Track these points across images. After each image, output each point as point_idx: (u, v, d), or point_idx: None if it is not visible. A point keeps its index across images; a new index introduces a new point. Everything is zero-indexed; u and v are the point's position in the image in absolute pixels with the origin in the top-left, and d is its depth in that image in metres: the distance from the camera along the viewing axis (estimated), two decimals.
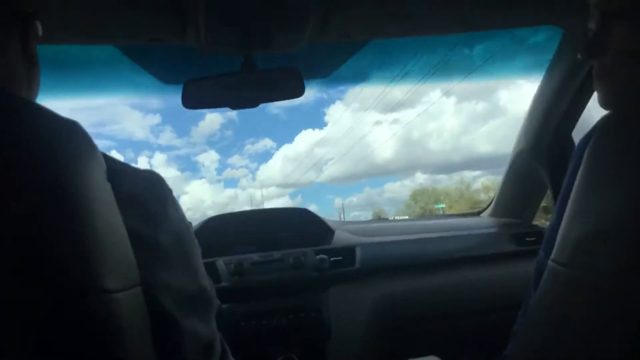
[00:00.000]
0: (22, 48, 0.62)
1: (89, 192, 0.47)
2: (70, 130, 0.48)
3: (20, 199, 0.42)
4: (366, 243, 1.74)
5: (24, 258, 0.42)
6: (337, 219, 3.36)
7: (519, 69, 1.79)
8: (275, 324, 1.56)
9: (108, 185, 0.51)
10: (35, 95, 0.66)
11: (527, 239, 1.83)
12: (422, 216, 3.09)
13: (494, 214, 2.10)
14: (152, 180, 0.61)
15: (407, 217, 2.70)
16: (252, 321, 1.56)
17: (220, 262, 1.60)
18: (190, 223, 0.68)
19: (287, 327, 1.57)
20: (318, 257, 1.62)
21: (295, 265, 1.60)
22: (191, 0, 1.06)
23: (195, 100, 1.36)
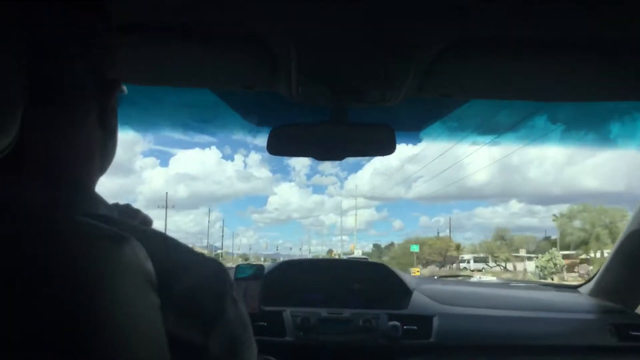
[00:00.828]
0: (100, 118, 0.59)
1: (118, 308, 0.42)
2: (112, 246, 0.43)
3: (42, 313, 0.38)
4: (445, 313, 1.59)
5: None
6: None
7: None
8: None
9: (147, 296, 0.45)
10: (108, 165, 0.64)
11: (632, 332, 1.59)
12: (512, 279, 2.79)
13: (594, 293, 1.86)
14: (215, 273, 0.55)
15: (494, 279, 2.47)
16: None
17: (287, 314, 1.54)
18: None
19: None
20: (391, 323, 1.50)
21: (365, 328, 1.49)
22: (284, 54, 1.05)
23: (281, 147, 1.34)
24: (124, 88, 0.65)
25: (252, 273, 1.42)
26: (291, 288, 1.71)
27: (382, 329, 1.50)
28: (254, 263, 1.55)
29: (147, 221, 0.87)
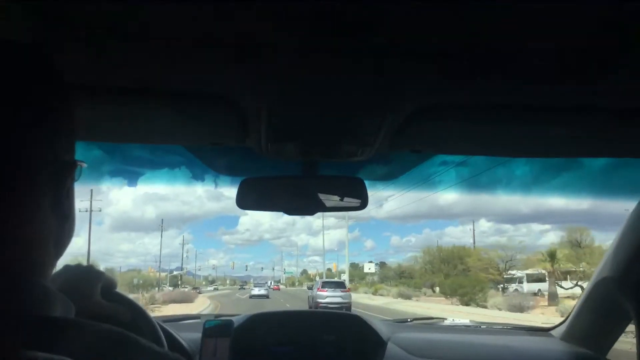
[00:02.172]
0: (55, 203, 0.54)
1: None
2: None
3: None
4: None
5: None
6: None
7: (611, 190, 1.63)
8: None
9: None
10: (63, 251, 0.58)
11: None
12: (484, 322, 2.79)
13: (566, 337, 1.86)
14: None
15: (467, 321, 2.46)
16: None
17: None
18: None
19: None
20: None
21: None
22: (253, 112, 1.02)
23: (250, 200, 1.30)
24: (83, 164, 0.59)
25: (221, 330, 1.36)
26: (262, 343, 1.64)
27: None
28: (223, 319, 1.49)
29: (112, 284, 0.82)
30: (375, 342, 1.66)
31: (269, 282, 63.18)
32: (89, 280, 0.77)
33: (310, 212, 1.30)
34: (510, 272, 35.18)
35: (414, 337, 1.73)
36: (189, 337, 1.30)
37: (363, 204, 1.26)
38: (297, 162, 1.28)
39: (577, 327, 1.82)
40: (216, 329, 1.36)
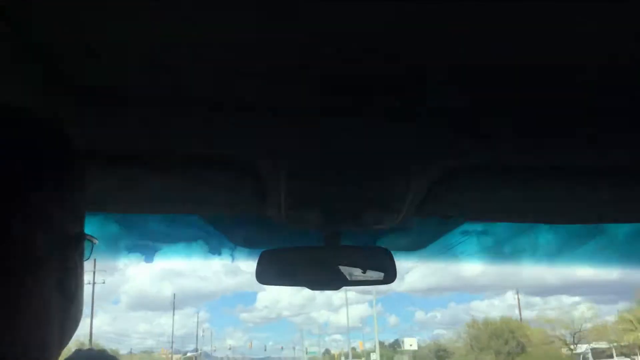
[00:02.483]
0: (60, 281, 0.48)
1: None
2: None
3: None
4: None
5: None
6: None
7: None
8: None
9: None
10: (70, 334, 0.52)
11: None
12: None
13: None
14: None
15: None
16: None
17: None
18: None
19: None
20: None
21: None
22: (273, 179, 0.98)
23: (270, 275, 1.22)
24: (94, 240, 0.53)
25: None
26: None
27: None
28: None
29: None
30: None
31: None
32: None
33: (335, 287, 1.21)
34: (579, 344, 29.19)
35: None
36: None
37: (391, 277, 1.17)
38: (319, 232, 1.21)
39: None
40: None
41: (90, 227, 0.54)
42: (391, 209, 1.09)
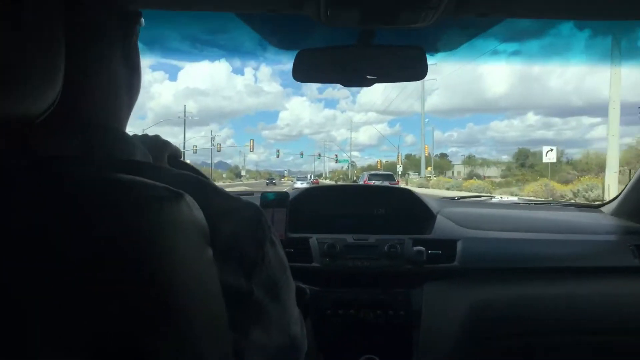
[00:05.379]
0: (124, 55, 0.56)
1: (179, 266, 0.40)
2: (170, 206, 0.41)
3: (99, 274, 0.36)
4: (469, 237, 1.60)
5: (100, 334, 0.36)
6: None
7: None
8: (361, 318, 1.52)
9: (205, 251, 0.44)
10: (134, 102, 0.61)
11: None
12: (533, 199, 2.76)
13: (617, 212, 1.85)
14: (254, 218, 0.54)
15: (515, 199, 2.46)
16: (338, 310, 1.52)
17: (314, 240, 1.56)
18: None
19: (374, 324, 1.52)
20: (415, 248, 1.52)
21: (390, 254, 1.52)
22: None
23: (307, 72, 1.28)
24: (142, 20, 0.60)
25: (277, 201, 1.42)
26: (316, 215, 1.72)
27: (407, 254, 1.52)
28: (278, 192, 1.56)
29: (177, 154, 0.85)
30: (425, 215, 1.71)
31: (309, 176, 63.94)
32: (158, 147, 0.81)
33: (368, 84, 1.27)
34: None
35: (463, 211, 1.77)
36: None
37: (422, 73, 1.22)
38: (353, 31, 1.23)
39: (629, 203, 1.80)
40: (273, 201, 1.43)
41: None
42: (429, 6, 1.09)
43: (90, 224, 0.37)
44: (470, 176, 45.80)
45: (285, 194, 1.50)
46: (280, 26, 1.38)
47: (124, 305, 0.36)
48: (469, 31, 1.40)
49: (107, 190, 0.39)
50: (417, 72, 1.22)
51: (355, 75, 1.27)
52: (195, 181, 0.54)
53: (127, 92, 0.58)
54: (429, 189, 29.54)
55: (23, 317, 0.34)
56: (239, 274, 0.49)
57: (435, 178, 38.57)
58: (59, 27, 0.41)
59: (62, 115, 0.45)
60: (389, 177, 23.40)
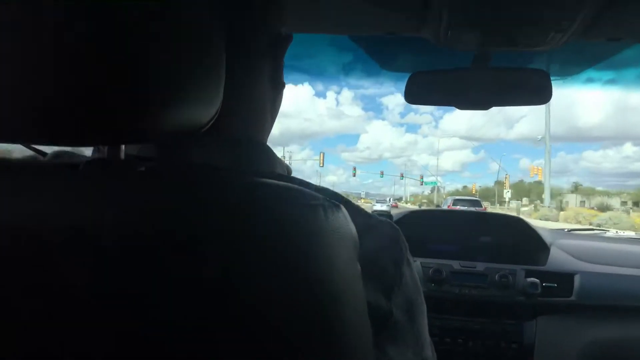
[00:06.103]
0: (272, 75, 0.58)
1: (337, 276, 0.39)
2: (332, 215, 0.40)
3: (265, 280, 0.35)
4: (587, 271, 1.49)
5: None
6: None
7: None
8: (471, 348, 1.45)
9: (356, 265, 0.42)
10: (275, 119, 0.63)
11: None
12: None
13: None
14: (392, 236, 0.53)
15: (633, 234, 2.27)
16: (446, 338, 1.47)
17: (418, 265, 1.52)
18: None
19: (483, 355, 1.45)
20: (529, 279, 1.44)
21: (501, 284, 1.44)
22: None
23: (420, 95, 1.27)
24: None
25: None
26: (419, 238, 1.68)
27: (519, 285, 1.44)
28: (380, 211, 1.55)
29: (289, 170, 0.87)
30: (538, 245, 1.61)
31: (389, 199, 63.17)
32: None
33: (485, 107, 1.23)
34: None
35: (578, 244, 1.65)
36: None
37: (545, 97, 1.16)
38: (467, 54, 1.20)
39: None
40: None
41: None
42: (558, 29, 1.04)
43: (256, 230, 0.36)
44: (602, 208, 39.22)
45: (389, 215, 1.49)
46: (390, 47, 1.38)
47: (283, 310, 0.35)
48: (585, 57, 1.32)
49: (272, 196, 0.39)
50: (540, 96, 1.16)
51: (471, 98, 1.24)
52: (338, 195, 0.54)
53: (271, 110, 0.60)
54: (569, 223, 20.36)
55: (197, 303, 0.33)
56: (379, 292, 0.48)
57: (569, 208, 34.59)
58: (223, 46, 0.42)
59: (215, 129, 0.46)
60: (476, 203, 22.37)
